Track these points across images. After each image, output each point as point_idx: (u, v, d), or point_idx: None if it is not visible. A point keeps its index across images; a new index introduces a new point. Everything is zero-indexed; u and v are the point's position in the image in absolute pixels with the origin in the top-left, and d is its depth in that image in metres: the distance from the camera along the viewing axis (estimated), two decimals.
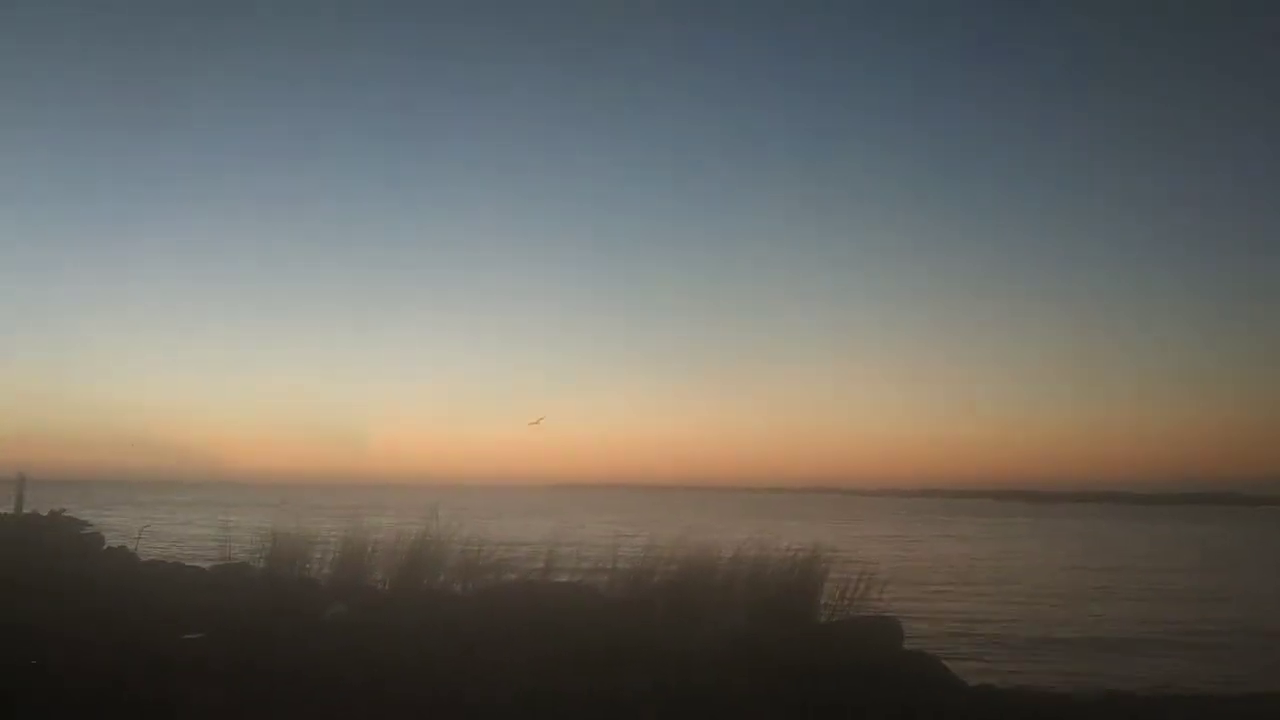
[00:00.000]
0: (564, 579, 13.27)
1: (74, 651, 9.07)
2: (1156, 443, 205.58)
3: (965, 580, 28.42)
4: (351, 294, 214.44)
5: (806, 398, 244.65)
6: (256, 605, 11.87)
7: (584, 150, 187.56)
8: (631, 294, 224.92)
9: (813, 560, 12.53)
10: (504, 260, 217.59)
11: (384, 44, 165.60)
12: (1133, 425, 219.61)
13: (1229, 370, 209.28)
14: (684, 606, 11.47)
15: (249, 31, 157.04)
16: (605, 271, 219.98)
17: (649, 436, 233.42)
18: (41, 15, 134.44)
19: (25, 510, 28.70)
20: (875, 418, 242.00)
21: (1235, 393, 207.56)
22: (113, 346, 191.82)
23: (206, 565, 16.99)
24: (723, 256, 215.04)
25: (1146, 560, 38.40)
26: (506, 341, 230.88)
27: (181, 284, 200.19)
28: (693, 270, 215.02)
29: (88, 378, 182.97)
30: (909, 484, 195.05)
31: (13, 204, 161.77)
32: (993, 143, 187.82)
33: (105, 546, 22.35)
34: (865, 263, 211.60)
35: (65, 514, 28.61)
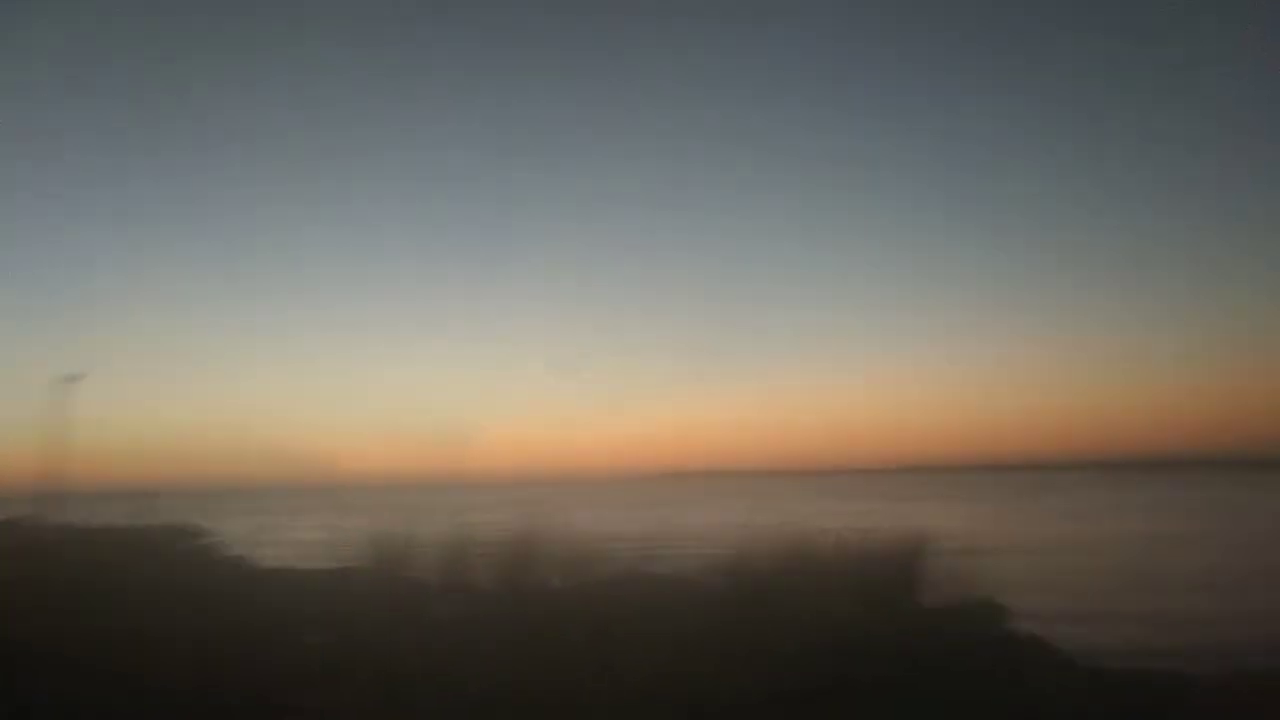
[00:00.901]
0: (665, 571, 13.37)
1: (198, 658, 9.51)
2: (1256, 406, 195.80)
3: (1072, 559, 27.61)
4: (449, 298, 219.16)
5: (898, 377, 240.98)
6: (371, 607, 12.29)
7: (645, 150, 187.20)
8: (719, 284, 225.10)
9: (915, 544, 12.41)
10: (596, 256, 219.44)
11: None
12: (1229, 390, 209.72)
13: None
14: (786, 596, 11.46)
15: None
16: (697, 260, 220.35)
17: (746, 421, 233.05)
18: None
19: (152, 521, 30.18)
20: (969, 393, 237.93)
21: None
22: (224, 358, 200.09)
23: (321, 569, 17.63)
24: (793, 245, 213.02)
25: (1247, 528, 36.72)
26: (603, 336, 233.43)
27: (285, 293, 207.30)
28: (763, 256, 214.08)
29: (202, 390, 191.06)
30: (1005, 458, 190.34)
31: (131, 219, 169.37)
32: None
33: (225, 553, 23.41)
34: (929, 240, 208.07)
35: (189, 523, 30.03)
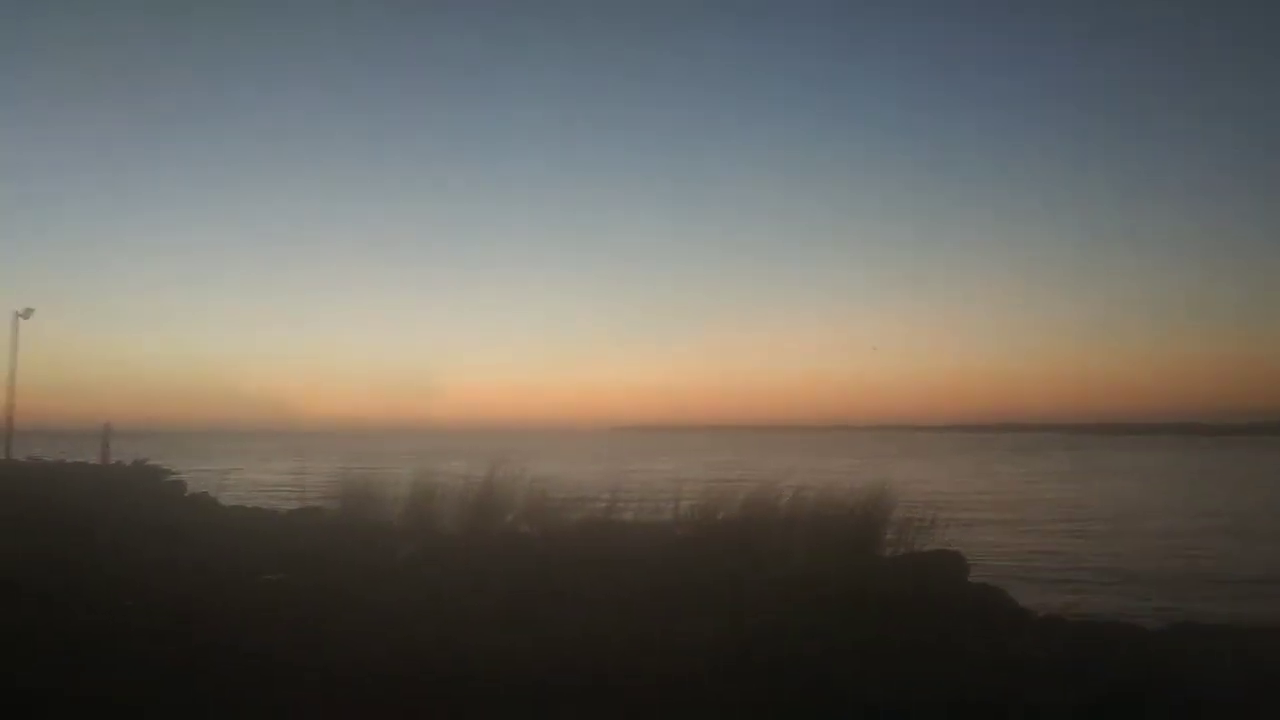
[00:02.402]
0: (628, 519, 13.43)
1: (156, 594, 9.48)
2: (1217, 373, 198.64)
3: (1030, 515, 28.11)
4: (424, 247, 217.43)
5: (867, 337, 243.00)
6: (333, 548, 12.28)
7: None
8: (696, 243, 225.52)
9: (876, 496, 12.53)
10: (565, 210, 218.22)
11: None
12: (1188, 356, 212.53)
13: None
14: (748, 544, 11.58)
15: None
16: (662, 221, 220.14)
17: (712, 378, 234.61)
18: None
19: (110, 460, 29.85)
20: (937, 354, 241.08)
21: None
22: (194, 300, 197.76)
23: (285, 510, 17.59)
24: (775, 204, 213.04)
25: (1210, 493, 37.56)
26: (571, 289, 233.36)
27: (260, 237, 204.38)
28: (744, 220, 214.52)
29: (169, 331, 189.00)
30: (971, 419, 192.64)
31: (91, 161, 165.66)
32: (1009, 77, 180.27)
33: (187, 493, 23.26)
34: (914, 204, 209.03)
35: (148, 463, 29.75)
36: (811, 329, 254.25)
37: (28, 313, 34.52)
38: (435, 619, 8.39)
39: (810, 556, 10.96)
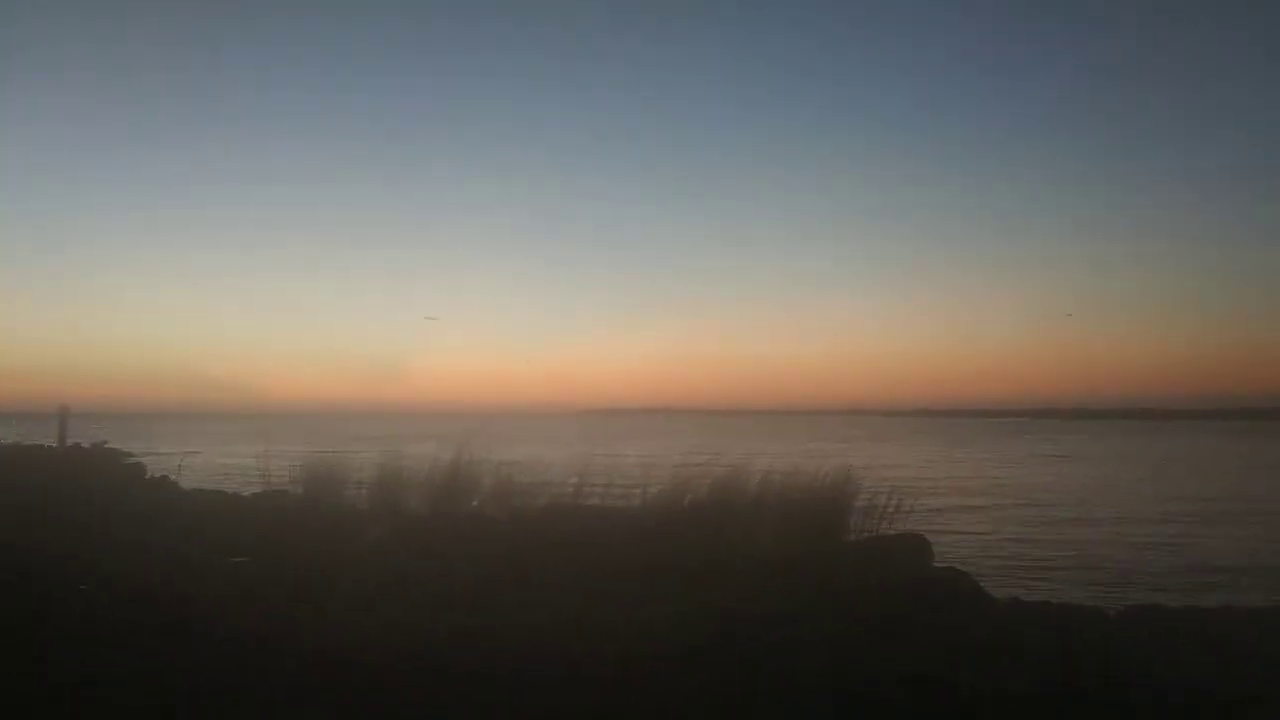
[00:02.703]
0: (595, 503, 13.38)
1: (116, 578, 9.33)
2: (1183, 359, 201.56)
3: (995, 500, 28.45)
4: (391, 229, 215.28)
5: (836, 322, 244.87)
6: (298, 531, 12.14)
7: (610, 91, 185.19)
8: (666, 225, 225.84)
9: (841, 480, 12.57)
10: (535, 193, 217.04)
11: None
12: (1158, 341, 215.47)
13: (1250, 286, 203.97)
14: (716, 528, 11.57)
15: None
16: (632, 206, 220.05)
17: (682, 362, 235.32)
18: None
19: (68, 443, 29.25)
20: (907, 338, 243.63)
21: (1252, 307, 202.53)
22: (153, 281, 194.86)
23: (248, 494, 17.35)
24: (747, 187, 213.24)
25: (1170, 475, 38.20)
26: (542, 271, 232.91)
27: (222, 218, 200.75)
28: (724, 202, 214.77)
29: (128, 312, 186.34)
30: (939, 404, 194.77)
31: (50, 138, 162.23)
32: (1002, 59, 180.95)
33: (147, 477, 22.89)
34: (883, 188, 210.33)
35: (107, 446, 29.23)
36: (780, 314, 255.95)
37: None
38: (402, 603, 8.32)
39: (777, 540, 10.98)
